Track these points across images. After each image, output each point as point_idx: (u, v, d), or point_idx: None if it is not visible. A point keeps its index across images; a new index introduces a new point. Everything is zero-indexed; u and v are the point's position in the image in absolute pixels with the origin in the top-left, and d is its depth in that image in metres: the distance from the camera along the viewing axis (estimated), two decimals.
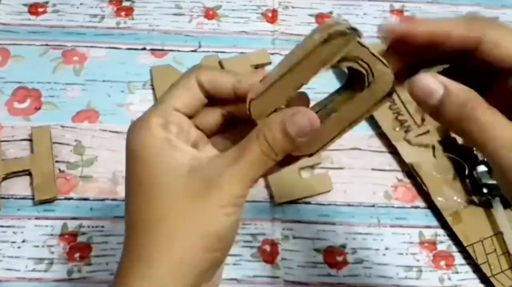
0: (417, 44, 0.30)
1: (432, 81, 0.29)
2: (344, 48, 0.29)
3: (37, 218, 0.51)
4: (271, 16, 0.66)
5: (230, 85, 0.32)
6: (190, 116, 0.33)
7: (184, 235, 0.29)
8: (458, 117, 0.28)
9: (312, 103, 0.33)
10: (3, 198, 0.51)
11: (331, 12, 0.67)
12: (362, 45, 0.29)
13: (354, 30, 0.29)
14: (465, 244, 0.50)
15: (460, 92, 0.28)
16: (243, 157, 0.30)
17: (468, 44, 0.29)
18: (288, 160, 0.32)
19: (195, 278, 0.30)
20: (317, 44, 0.29)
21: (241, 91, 0.32)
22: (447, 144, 0.55)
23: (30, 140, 0.55)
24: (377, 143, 0.57)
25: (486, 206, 0.52)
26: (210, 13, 0.66)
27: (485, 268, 0.49)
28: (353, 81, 0.31)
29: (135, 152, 0.31)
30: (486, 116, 0.27)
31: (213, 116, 0.34)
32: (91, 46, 0.62)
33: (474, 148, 0.53)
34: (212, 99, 0.33)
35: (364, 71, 0.30)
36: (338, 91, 0.33)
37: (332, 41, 0.29)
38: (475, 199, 0.52)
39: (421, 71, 0.30)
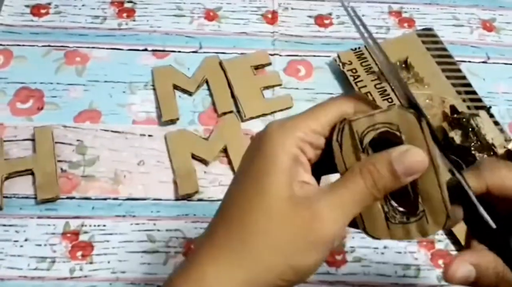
0: None
1: (464, 271, 0.31)
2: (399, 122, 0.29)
3: (39, 217, 0.51)
4: (271, 18, 0.67)
5: None
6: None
7: (272, 254, 0.28)
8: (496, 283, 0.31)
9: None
10: (6, 197, 0.52)
11: (330, 14, 0.68)
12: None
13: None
14: (463, 243, 0.51)
15: (488, 268, 0.31)
16: (346, 187, 0.29)
17: None
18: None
19: None
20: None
21: None
22: (445, 143, 0.56)
23: (33, 140, 0.55)
24: None
25: None
26: (210, 15, 0.66)
27: None
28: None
29: (263, 152, 0.30)
30: None
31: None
32: (93, 47, 0.63)
33: (472, 147, 0.54)
34: None
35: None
36: None
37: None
38: None
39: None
